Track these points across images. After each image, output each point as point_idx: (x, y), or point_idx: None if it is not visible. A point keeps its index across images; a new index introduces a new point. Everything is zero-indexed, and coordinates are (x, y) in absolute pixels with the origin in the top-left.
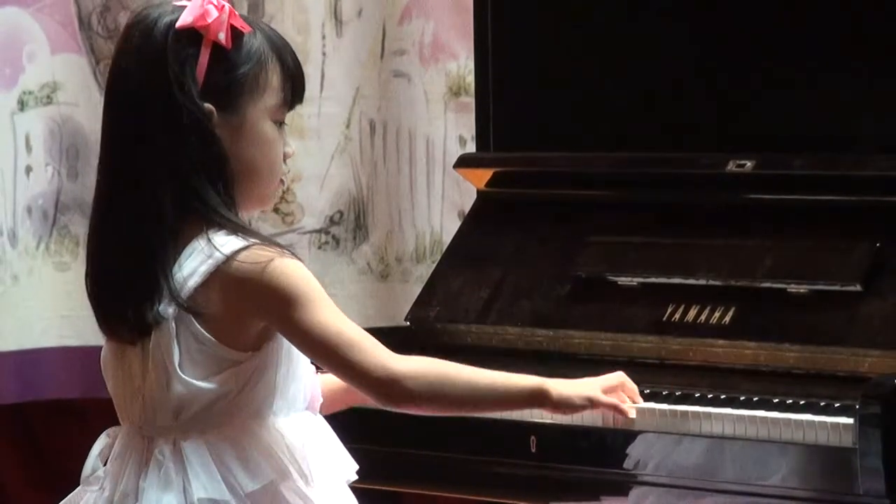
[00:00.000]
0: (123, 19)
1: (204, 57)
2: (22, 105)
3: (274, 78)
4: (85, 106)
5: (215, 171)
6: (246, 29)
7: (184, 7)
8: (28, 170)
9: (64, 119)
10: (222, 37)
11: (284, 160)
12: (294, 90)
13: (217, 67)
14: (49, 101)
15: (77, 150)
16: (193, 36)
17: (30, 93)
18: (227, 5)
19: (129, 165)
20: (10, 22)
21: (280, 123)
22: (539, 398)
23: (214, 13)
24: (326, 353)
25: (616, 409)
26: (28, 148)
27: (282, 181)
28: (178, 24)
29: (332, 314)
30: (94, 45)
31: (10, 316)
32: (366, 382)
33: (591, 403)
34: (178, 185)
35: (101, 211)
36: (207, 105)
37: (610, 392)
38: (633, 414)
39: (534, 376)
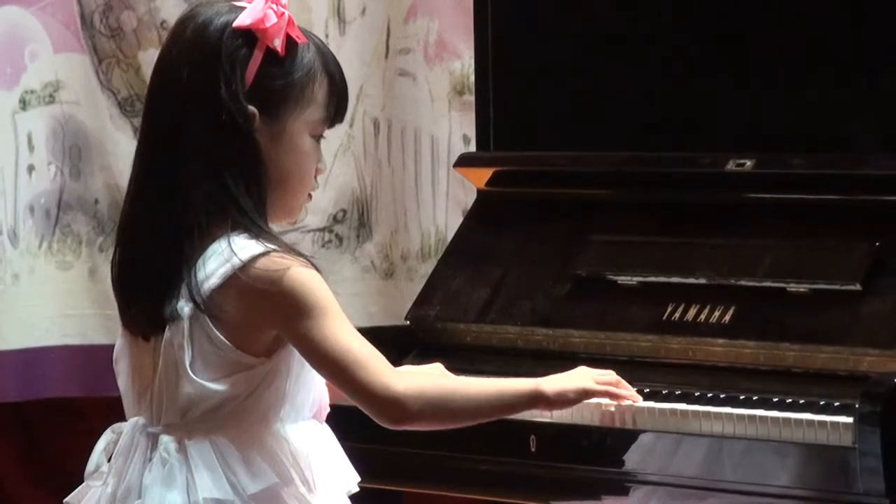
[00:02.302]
0: (126, 18)
1: (256, 60)
2: (24, 104)
3: (320, 93)
4: (87, 105)
5: (250, 173)
6: (301, 39)
7: (241, 8)
8: (30, 169)
9: (66, 118)
10: (278, 43)
11: (315, 176)
12: (338, 109)
13: (267, 73)
14: (52, 100)
15: (80, 150)
16: (249, 37)
17: (32, 92)
18: (287, 13)
19: (166, 157)
20: (11, 21)
21: (318, 138)
22: (535, 400)
23: (273, 18)
24: (332, 368)
25: (609, 394)
26: (30, 147)
27: (310, 195)
28: (235, 24)
29: (342, 329)
30: (96, 45)
31: (11, 315)
32: (368, 402)
33: (586, 394)
34: (211, 182)
35: (133, 200)
36: (251, 108)
37: (603, 384)
38: (636, 398)
39: (528, 379)
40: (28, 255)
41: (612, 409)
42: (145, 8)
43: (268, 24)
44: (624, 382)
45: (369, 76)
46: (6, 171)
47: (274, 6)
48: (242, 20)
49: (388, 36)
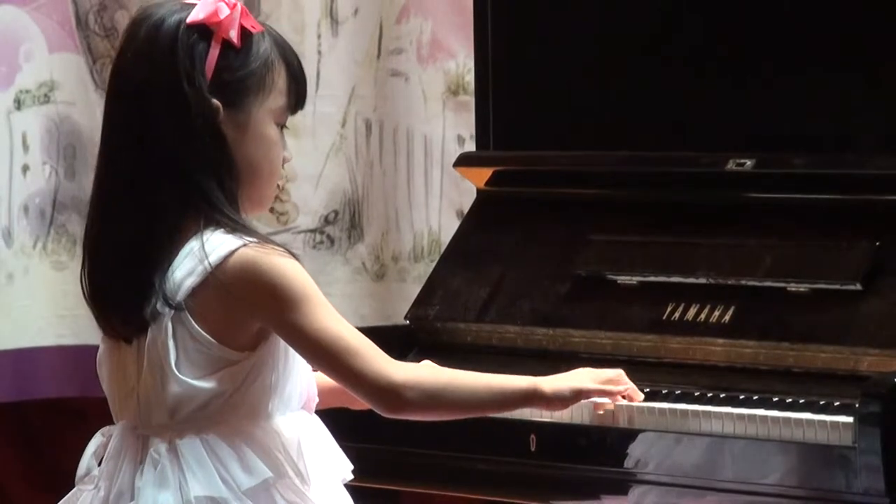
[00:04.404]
0: (121, 18)
1: (214, 53)
2: (19, 104)
3: (280, 81)
4: (82, 105)
5: (220, 168)
6: (257, 29)
7: (192, 5)
8: (25, 169)
9: (61, 118)
10: (233, 34)
11: (283, 164)
12: (298, 95)
13: (226, 65)
14: (46, 99)
15: (74, 150)
16: (204, 32)
17: (27, 91)
18: (240, 4)
19: (131, 160)
20: (6, 21)
21: (281, 127)
22: (533, 397)
23: (226, 10)
24: (325, 359)
25: (605, 392)
26: (25, 147)
27: (278, 185)
28: (189, 20)
29: (331, 318)
30: (91, 44)
31: (5, 315)
32: (365, 390)
33: (582, 394)
34: (181, 181)
35: (100, 207)
36: (215, 101)
37: (604, 384)
38: (637, 396)
39: (527, 376)
40: (22, 255)
41: (607, 408)
42: (139, 8)
43: (221, 17)
44: (625, 378)
45: (361, 77)
46: (1, 171)
47: None
48: (196, 15)
49: (381, 36)
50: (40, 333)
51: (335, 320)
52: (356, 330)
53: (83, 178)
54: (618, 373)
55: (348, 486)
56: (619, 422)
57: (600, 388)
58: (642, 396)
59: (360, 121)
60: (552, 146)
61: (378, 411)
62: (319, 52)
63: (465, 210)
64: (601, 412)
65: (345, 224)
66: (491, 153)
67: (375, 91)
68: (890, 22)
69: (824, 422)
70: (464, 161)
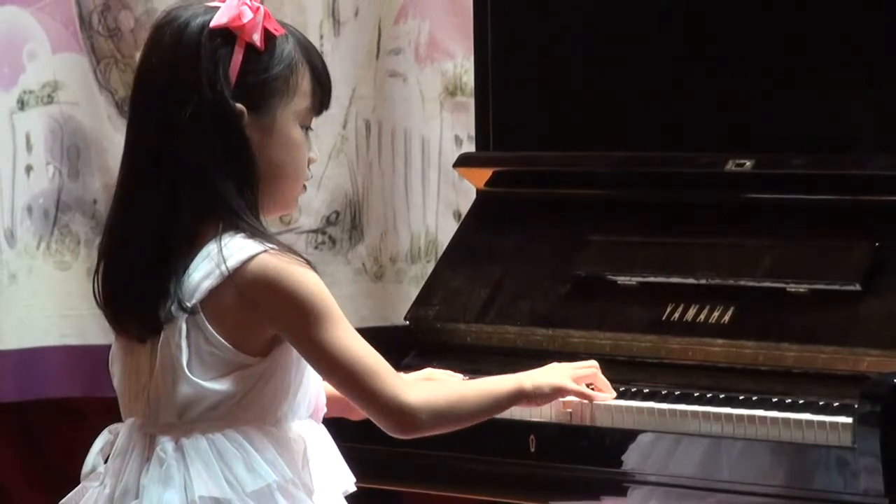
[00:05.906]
0: (124, 18)
1: (237, 57)
2: (22, 104)
3: (304, 82)
4: (86, 105)
5: (242, 172)
6: (279, 31)
7: (216, 8)
8: (28, 169)
9: (65, 118)
10: (256, 38)
11: (308, 165)
12: (323, 97)
13: (250, 68)
14: (50, 100)
15: (78, 150)
16: (227, 36)
17: (30, 92)
18: (262, 7)
19: (153, 165)
20: (10, 21)
21: (306, 129)
22: (519, 396)
23: (249, 14)
24: (341, 377)
25: (584, 395)
26: (28, 147)
27: (304, 186)
28: (212, 24)
29: (350, 336)
30: (94, 45)
31: (8, 315)
32: (379, 411)
33: (561, 391)
34: (201, 185)
35: (120, 208)
36: (239, 105)
37: (581, 381)
38: (601, 399)
39: (510, 376)
40: (26, 255)
41: (570, 410)
42: (143, 8)
43: (244, 20)
44: (601, 376)
45: (361, 77)
46: (4, 171)
47: (248, 2)
48: (219, 19)
49: (379, 36)
50: (45, 333)
51: (354, 338)
52: (372, 349)
53: (87, 178)
54: (592, 364)
55: None
56: (581, 420)
57: (577, 389)
58: (614, 394)
59: (361, 121)
60: (552, 146)
61: (388, 432)
62: (322, 53)
63: (463, 211)
64: (569, 410)
65: (346, 225)
66: (491, 154)
67: (374, 91)
68: (890, 22)
69: (824, 422)
70: (463, 161)
